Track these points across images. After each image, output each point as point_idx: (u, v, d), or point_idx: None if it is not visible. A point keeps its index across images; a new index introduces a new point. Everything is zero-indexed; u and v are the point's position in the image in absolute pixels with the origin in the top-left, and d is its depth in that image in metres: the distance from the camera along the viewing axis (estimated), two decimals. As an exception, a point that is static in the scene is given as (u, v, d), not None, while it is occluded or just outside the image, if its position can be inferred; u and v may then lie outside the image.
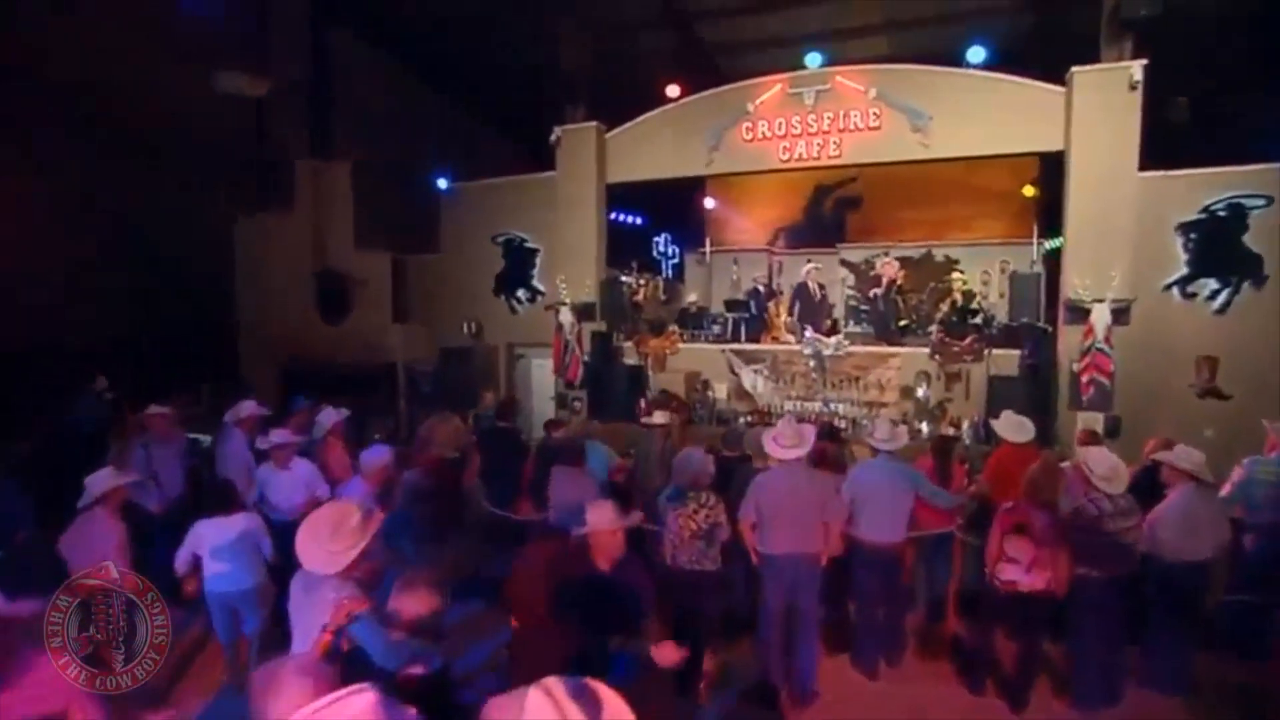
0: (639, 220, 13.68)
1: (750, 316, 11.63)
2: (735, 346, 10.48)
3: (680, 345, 10.62)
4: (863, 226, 15.48)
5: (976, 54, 9.24)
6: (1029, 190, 12.83)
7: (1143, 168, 8.45)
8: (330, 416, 6.69)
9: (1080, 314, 8.44)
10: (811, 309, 11.18)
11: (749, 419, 9.94)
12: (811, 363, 9.85)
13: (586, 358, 10.50)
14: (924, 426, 9.11)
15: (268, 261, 11.10)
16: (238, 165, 10.49)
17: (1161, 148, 8.66)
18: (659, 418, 6.94)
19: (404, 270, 11.92)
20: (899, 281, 11.10)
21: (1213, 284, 8.46)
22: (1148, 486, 5.23)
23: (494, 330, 11.75)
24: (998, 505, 4.93)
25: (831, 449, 5.56)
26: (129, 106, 9.23)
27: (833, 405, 9.73)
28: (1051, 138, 8.84)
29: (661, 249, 15.17)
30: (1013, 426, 6.26)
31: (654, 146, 10.59)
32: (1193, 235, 8.45)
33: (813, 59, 9.82)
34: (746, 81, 10.09)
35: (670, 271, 15.09)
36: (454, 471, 7.23)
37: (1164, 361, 8.49)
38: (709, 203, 14.52)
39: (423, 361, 11.45)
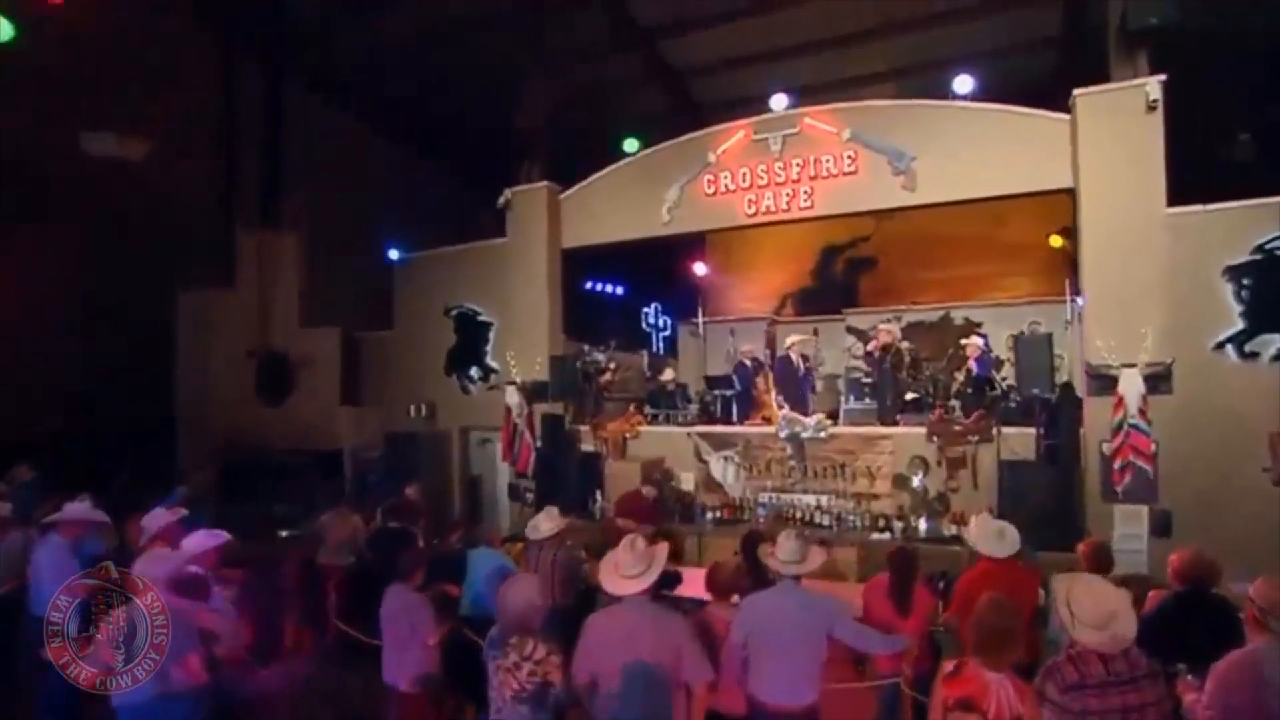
0: (620, 290, 12.66)
1: (736, 394, 10.35)
2: (702, 429, 9.15)
3: (641, 428, 9.35)
4: (878, 289, 14.17)
5: (963, 84, 8.08)
6: (1056, 241, 11.34)
7: (1173, 202, 6.99)
8: (159, 519, 5.66)
9: (1107, 382, 6.87)
10: (794, 385, 9.84)
11: (718, 514, 8.54)
12: (788, 447, 8.42)
13: (539, 443, 9.33)
14: (922, 524, 7.53)
15: (209, 341, 10.52)
16: (180, 239, 10.00)
17: (1197, 178, 7.20)
18: (546, 525, 5.65)
19: (357, 347, 11.15)
20: (901, 350, 9.67)
21: (1279, 341, 6.79)
22: (1177, 631, 3.68)
23: (449, 412, 10.75)
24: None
25: (724, 575, 4.14)
26: (64, 180, 8.86)
27: (814, 497, 8.21)
28: (1058, 174, 7.51)
29: (651, 320, 14.09)
30: (989, 535, 4.77)
31: (611, 206, 9.68)
32: (1245, 281, 6.85)
33: (778, 101, 8.79)
34: (707, 130, 9.13)
35: (661, 345, 13.95)
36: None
37: (1224, 439, 6.78)
38: (700, 269, 13.43)
39: (372, 448, 10.49)
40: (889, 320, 12.49)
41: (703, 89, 14.16)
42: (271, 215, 10.40)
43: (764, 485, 8.60)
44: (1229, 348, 6.89)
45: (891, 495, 8.00)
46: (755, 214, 8.81)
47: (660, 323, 14.17)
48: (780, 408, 9.59)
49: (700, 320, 13.38)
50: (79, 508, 5.90)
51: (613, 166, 9.64)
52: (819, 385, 11.55)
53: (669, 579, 5.18)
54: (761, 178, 8.72)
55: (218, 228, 10.13)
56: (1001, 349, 11.01)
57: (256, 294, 10.31)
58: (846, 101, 8.88)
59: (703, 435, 9.03)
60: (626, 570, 3.57)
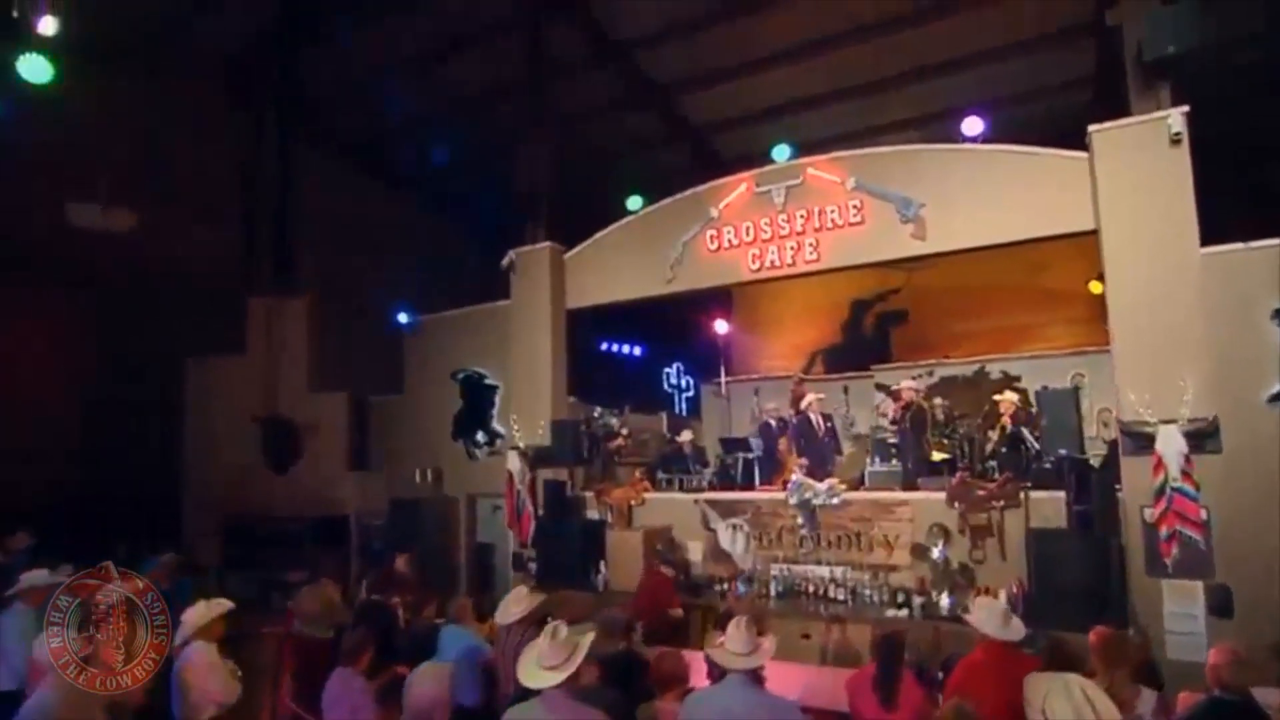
0: (638, 350, 12.42)
1: (758, 456, 9.89)
2: (710, 496, 8.68)
3: (648, 495, 8.94)
4: (911, 343, 13.62)
5: (973, 125, 7.73)
6: (1097, 287, 10.63)
7: (1209, 241, 6.41)
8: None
9: (1143, 441, 6.21)
10: (814, 446, 9.35)
11: (726, 586, 8.01)
12: (799, 516, 7.89)
13: (541, 511, 9.01)
14: (944, 599, 6.85)
15: (218, 406, 10.62)
16: (192, 304, 10.24)
17: (1235, 215, 6.63)
18: (514, 608, 5.27)
19: (366, 412, 11.11)
20: (924, 408, 9.11)
21: (1342, 392, 6.06)
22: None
23: (457, 478, 10.54)
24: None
25: (667, 665, 3.68)
26: (73, 246, 9.20)
27: (828, 569, 7.62)
28: (1079, 215, 7.01)
29: (673, 381, 13.75)
30: (992, 617, 4.19)
31: (615, 265, 9.51)
32: (1299, 326, 6.17)
33: (780, 151, 8.57)
34: (709, 184, 8.94)
35: (684, 406, 13.57)
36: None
37: (1287, 505, 6.00)
38: (722, 326, 13.11)
39: (379, 514, 10.33)
40: (919, 376, 11.96)
41: (725, 143, 14.15)
42: (282, 279, 10.59)
43: (775, 556, 8.05)
44: (1285, 401, 6.18)
45: (912, 567, 7.37)
46: (760, 269, 8.50)
47: (683, 383, 13.84)
48: (800, 471, 9.15)
49: (723, 380, 13.01)
50: (37, 574, 5.84)
51: (616, 224, 9.52)
52: (848, 446, 11.01)
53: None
54: (765, 231, 8.44)
55: (229, 293, 10.35)
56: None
57: (265, 359, 10.44)
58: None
59: (710, 502, 8.56)
60: (546, 661, 3.21)
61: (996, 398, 9.29)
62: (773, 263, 8.41)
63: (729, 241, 8.66)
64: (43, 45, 5.96)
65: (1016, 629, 4.18)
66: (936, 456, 8.75)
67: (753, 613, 5.02)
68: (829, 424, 9.87)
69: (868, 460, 10.13)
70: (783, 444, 10.54)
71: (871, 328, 14.28)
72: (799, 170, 8.36)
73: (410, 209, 12.87)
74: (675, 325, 13.42)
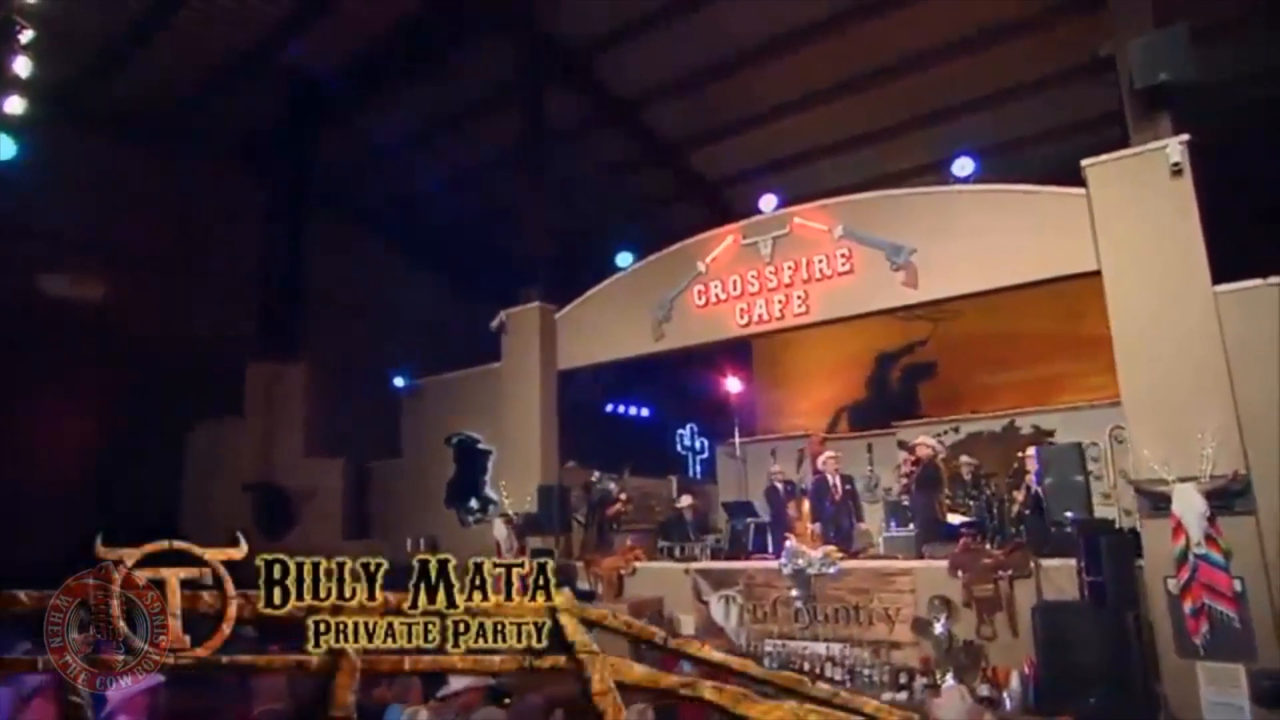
0: (646, 411, 12.17)
1: (765, 522, 9.43)
2: (702, 565, 8.24)
3: (639, 564, 8.55)
4: (940, 398, 13.00)
5: (963, 166, 7.43)
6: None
7: (1223, 279, 5.92)
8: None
9: (1160, 502, 5.63)
10: (830, 509, 8.87)
11: (718, 665, 7.47)
12: (793, 587, 7.38)
13: (530, 582, 8.67)
14: (947, 680, 6.22)
15: (216, 474, 10.70)
16: (192, 372, 10.48)
17: (1251, 249, 6.12)
18: (455, 682, 4.96)
19: (366, 478, 11.07)
20: (940, 466, 8.58)
21: (1390, 442, 5.40)
22: None
23: (454, 546, 10.28)
24: None
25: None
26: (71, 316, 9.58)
27: (825, 645, 7.06)
28: (1079, 256, 6.60)
29: (687, 443, 13.38)
30: (957, 713, 3.71)
31: (605, 323, 9.40)
32: (1332, 368, 5.57)
33: (767, 201, 8.41)
34: (696, 237, 8.81)
35: (699, 469, 13.16)
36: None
37: (1336, 575, 5.30)
38: (734, 385, 12.77)
39: (373, 587, 10.12)
40: (945, 432, 11.38)
41: (737, 196, 14.08)
42: (280, 344, 10.79)
43: (770, 630, 7.51)
44: (1324, 453, 5.53)
45: (916, 644, 6.75)
46: (748, 324, 8.25)
47: (696, 445, 13.45)
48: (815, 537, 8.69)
49: (736, 441, 12.59)
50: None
51: (605, 282, 9.44)
52: (870, 509, 10.46)
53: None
54: (753, 284, 8.22)
55: (229, 359, 10.57)
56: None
57: (262, 426, 10.56)
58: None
59: (702, 572, 8.11)
60: None
61: (1021, 455, 8.75)
62: (761, 316, 8.16)
63: (716, 296, 8.46)
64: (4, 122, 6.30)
65: (978, 721, 3.68)
66: (955, 519, 8.21)
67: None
68: (848, 486, 9.36)
69: (882, 525, 9.62)
70: (792, 508, 10.07)
71: (898, 382, 13.71)
72: (786, 220, 8.17)
73: (413, 273, 13.11)
74: (689, 384, 13.15)
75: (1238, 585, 5.37)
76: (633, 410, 12.06)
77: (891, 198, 7.74)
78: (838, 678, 6.83)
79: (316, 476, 10.68)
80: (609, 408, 12.40)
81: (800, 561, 7.36)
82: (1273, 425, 5.63)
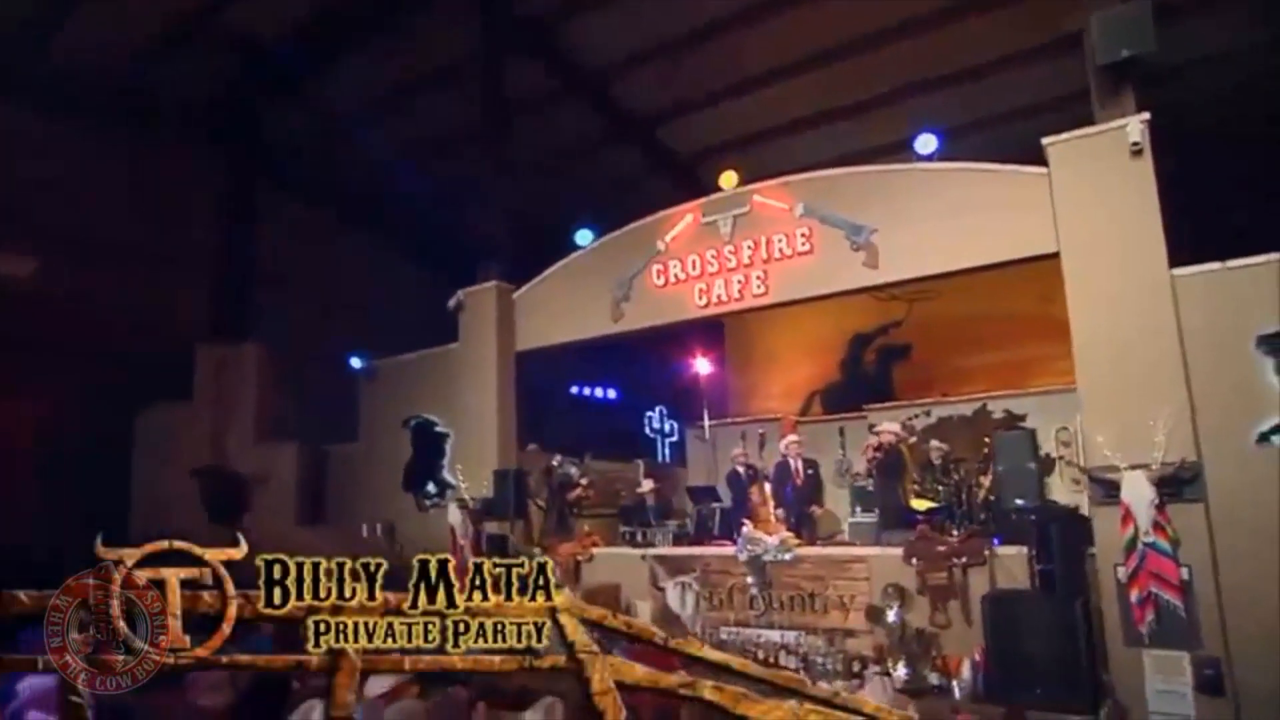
0: (613, 393, 12.12)
1: (726, 507, 9.44)
2: (659, 551, 8.24)
3: (595, 550, 8.54)
4: (915, 381, 12.97)
5: (926, 144, 7.34)
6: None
7: (1182, 261, 5.90)
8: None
9: (1111, 489, 5.65)
10: (792, 494, 8.90)
11: (672, 653, 7.49)
12: (749, 575, 7.39)
13: (485, 568, 8.65)
14: (900, 669, 6.27)
15: (165, 460, 10.54)
16: (139, 354, 10.28)
17: (1212, 234, 6.11)
18: (377, 681, 4.91)
19: (322, 462, 10.97)
20: (904, 451, 8.61)
21: (1343, 429, 5.42)
22: None
23: (412, 532, 10.22)
24: None
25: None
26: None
27: (780, 633, 7.09)
28: (1041, 237, 6.54)
29: (656, 426, 13.35)
30: (878, 700, 3.69)
31: (564, 304, 9.28)
32: (1287, 354, 5.57)
33: (728, 179, 8.31)
34: (656, 215, 8.70)
35: (668, 453, 13.14)
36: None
37: (1285, 562, 5.34)
38: (704, 366, 12.73)
39: (328, 574, 10.07)
40: (916, 416, 11.41)
41: (708, 172, 13.88)
42: (231, 325, 10.61)
43: (726, 618, 7.53)
44: (1277, 440, 5.55)
45: (871, 632, 6.78)
46: (707, 305, 8.17)
47: (666, 427, 13.42)
48: (777, 522, 8.71)
49: (705, 423, 12.57)
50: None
51: (563, 261, 9.32)
52: (840, 495, 10.52)
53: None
54: (712, 264, 8.13)
55: (177, 341, 10.38)
56: (1051, 444, 9.69)
57: (212, 410, 10.42)
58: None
59: (658, 559, 8.11)
60: None
61: (989, 439, 8.79)
62: (720, 297, 8.08)
63: (676, 276, 8.37)
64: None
65: None
66: (920, 506, 8.20)
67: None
68: (809, 471, 9.40)
69: (849, 511, 9.66)
70: (755, 493, 10.08)
71: (872, 364, 13.70)
72: (746, 198, 8.07)
73: (370, 251, 12.89)
74: (659, 365, 13.08)
75: (1185, 574, 5.41)
76: (599, 392, 11.97)
77: (854, 175, 7.64)
78: (792, 666, 6.86)
79: (269, 461, 10.56)
80: (575, 390, 12.31)
81: (756, 548, 7.36)
82: (1226, 412, 5.65)
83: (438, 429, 10.06)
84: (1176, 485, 5.48)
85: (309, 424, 10.91)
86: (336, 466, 11.09)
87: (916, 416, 11.37)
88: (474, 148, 10.74)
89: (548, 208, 12.40)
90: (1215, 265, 5.85)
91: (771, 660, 6.99)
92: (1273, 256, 5.68)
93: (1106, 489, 5.69)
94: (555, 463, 10.06)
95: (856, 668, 6.57)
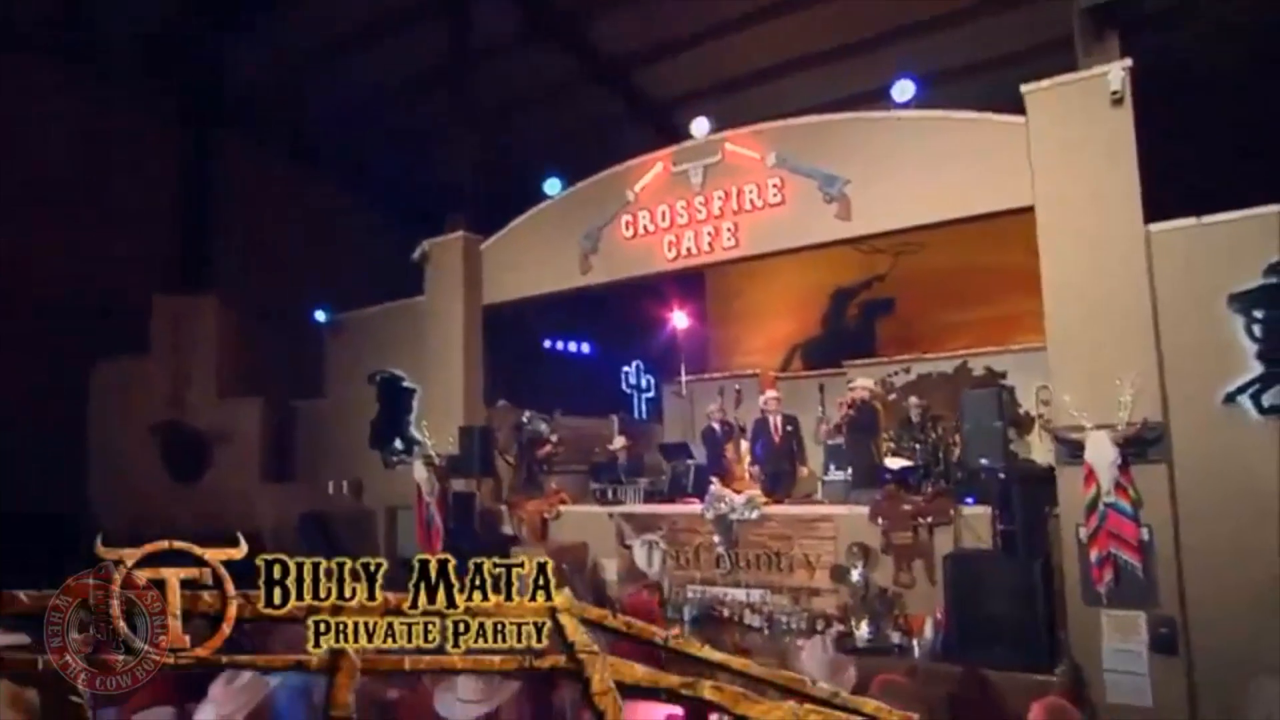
0: (587, 348, 12.03)
1: (700, 465, 9.44)
2: (626, 509, 8.26)
3: (563, 508, 8.56)
4: (897, 336, 12.96)
5: (904, 90, 7.15)
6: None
7: (1157, 216, 5.80)
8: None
9: (1077, 449, 5.64)
10: (770, 452, 8.90)
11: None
12: (715, 534, 7.42)
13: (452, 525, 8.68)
14: (863, 628, 6.34)
15: (122, 416, 10.41)
16: (95, 307, 10.06)
17: (1187, 186, 6.01)
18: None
19: (289, 418, 10.89)
20: (877, 409, 8.63)
21: (1311, 389, 5.41)
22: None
23: (378, 489, 10.24)
24: None
25: None
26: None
27: (745, 592, 7.16)
28: (1018, 190, 6.41)
29: (633, 381, 13.31)
30: (819, 664, 3.73)
31: (533, 256, 9.12)
32: (1259, 313, 5.52)
33: (699, 126, 8.10)
34: (626, 164, 8.50)
35: (644, 409, 13.12)
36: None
37: (1243, 522, 5.37)
38: (681, 320, 12.65)
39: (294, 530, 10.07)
40: (896, 373, 11.47)
41: (684, 122, 13.58)
42: (190, 276, 10.38)
43: (692, 576, 7.59)
44: (1244, 399, 5.54)
45: (836, 592, 6.85)
46: (676, 258, 8.02)
47: (642, 383, 13.39)
48: (752, 480, 8.78)
49: (682, 379, 12.54)
50: None
51: (531, 211, 9.12)
52: (817, 452, 10.54)
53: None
54: (681, 215, 7.96)
55: (133, 292, 10.17)
56: (1031, 403, 9.72)
57: (171, 364, 10.26)
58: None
59: (625, 517, 8.13)
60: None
61: (976, 396, 8.75)
62: (689, 250, 7.93)
63: (645, 227, 8.20)
64: None
65: (850, 679, 3.70)
66: (895, 464, 8.22)
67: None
68: (789, 427, 9.37)
69: (823, 469, 9.68)
70: (730, 450, 10.09)
71: (855, 319, 13.65)
72: (717, 146, 7.87)
73: (336, 199, 12.61)
74: (636, 319, 12.98)
75: (1145, 534, 5.45)
76: (575, 347, 11.87)
77: (827, 123, 7.43)
78: (756, 624, 6.95)
79: (232, 417, 10.44)
80: (549, 344, 12.22)
81: (722, 506, 7.38)
82: (1193, 371, 5.62)
83: (404, 384, 9.97)
84: (1140, 446, 5.47)
85: (275, 379, 10.77)
86: (303, 422, 11.01)
87: (896, 374, 11.42)
88: (440, 92, 10.45)
89: (518, 156, 12.14)
90: (1191, 220, 5.76)
91: (737, 619, 7.10)
92: (1250, 211, 5.60)
93: (1071, 449, 5.68)
94: (525, 419, 10.02)
95: (820, 626, 6.66)
